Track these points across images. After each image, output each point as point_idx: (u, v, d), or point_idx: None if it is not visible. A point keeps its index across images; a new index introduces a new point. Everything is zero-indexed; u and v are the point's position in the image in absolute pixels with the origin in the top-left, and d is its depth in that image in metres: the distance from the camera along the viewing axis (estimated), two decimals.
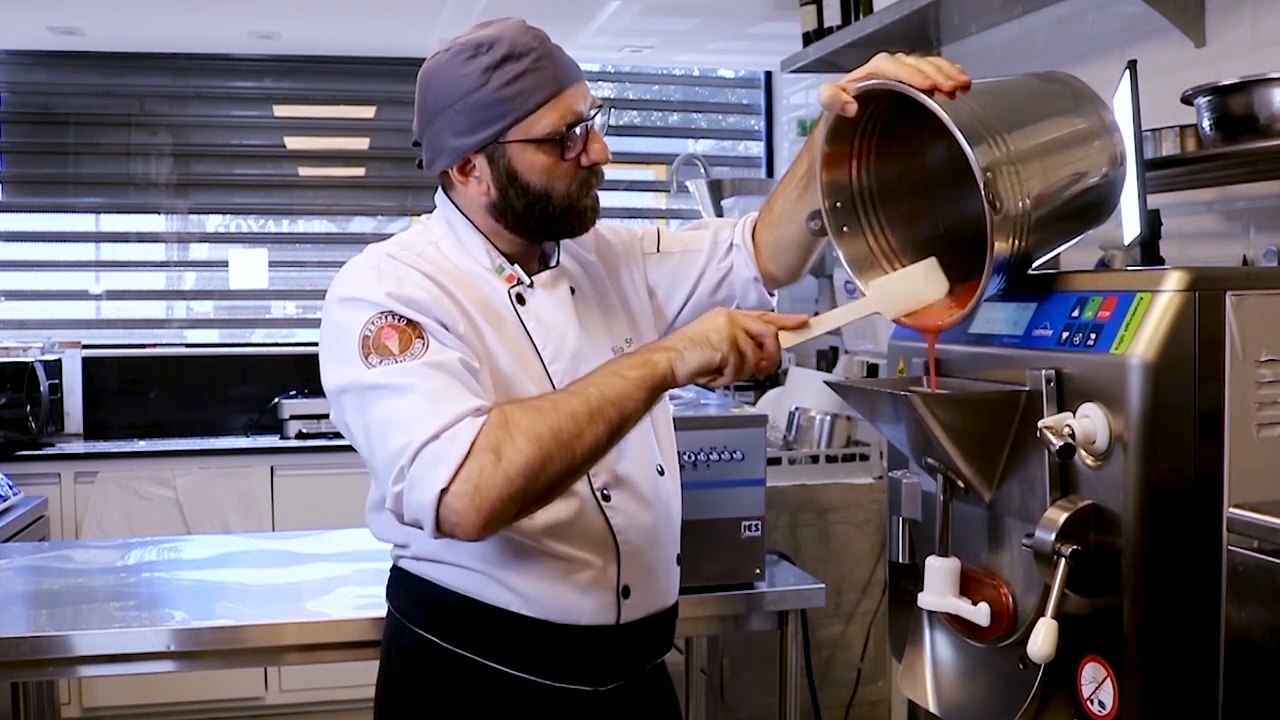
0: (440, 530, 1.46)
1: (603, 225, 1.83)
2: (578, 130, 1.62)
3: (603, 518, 1.66)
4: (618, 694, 1.73)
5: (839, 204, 1.60)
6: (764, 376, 1.52)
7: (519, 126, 1.60)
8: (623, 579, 1.68)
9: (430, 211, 1.77)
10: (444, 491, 1.43)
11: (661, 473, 1.76)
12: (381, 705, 1.76)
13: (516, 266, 1.69)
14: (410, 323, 1.55)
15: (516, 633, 1.65)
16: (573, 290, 1.74)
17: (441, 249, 1.67)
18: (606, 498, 1.67)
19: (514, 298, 1.67)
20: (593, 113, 1.64)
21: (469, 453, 1.44)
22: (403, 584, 1.73)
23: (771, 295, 1.87)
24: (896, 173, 1.61)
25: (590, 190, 1.67)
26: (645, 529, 1.70)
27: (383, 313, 1.55)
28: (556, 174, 1.63)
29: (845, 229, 1.60)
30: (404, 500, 1.46)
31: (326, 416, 4.36)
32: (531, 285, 1.69)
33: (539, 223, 1.66)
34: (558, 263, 1.75)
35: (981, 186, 1.35)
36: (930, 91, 1.40)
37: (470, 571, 1.64)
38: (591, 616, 1.67)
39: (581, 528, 1.64)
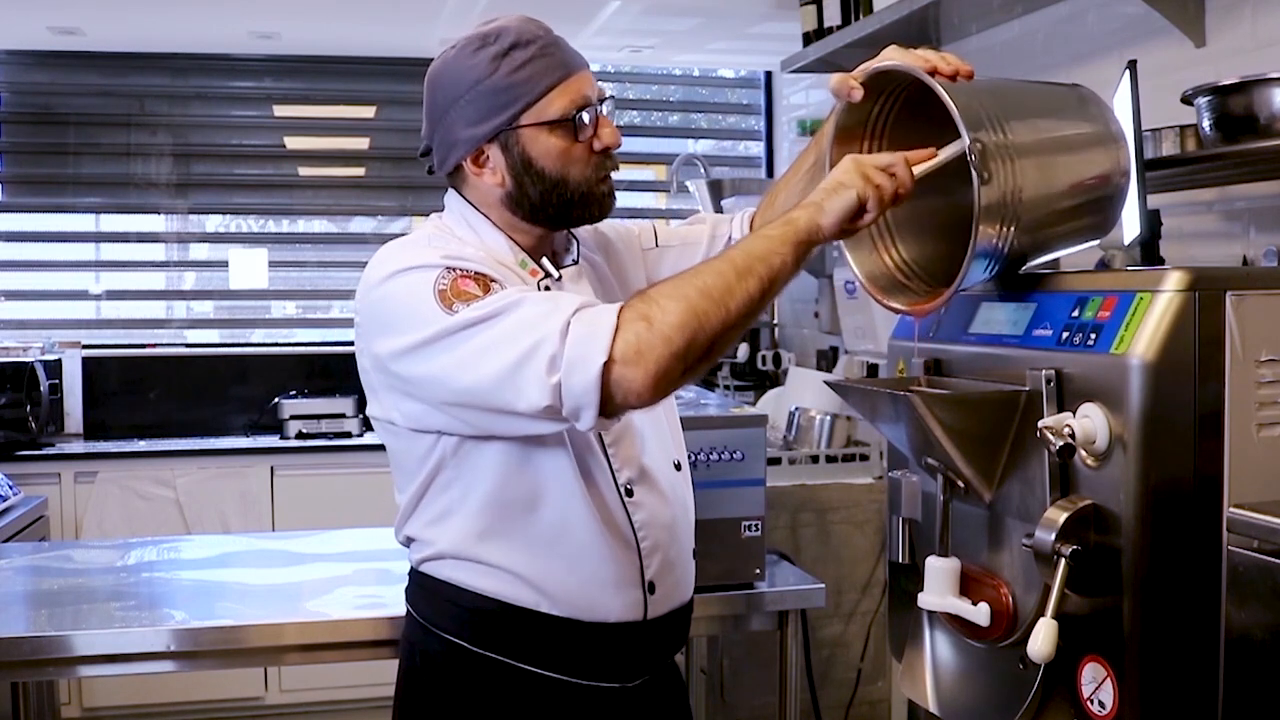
0: (609, 405, 1.42)
1: (603, 223, 1.83)
2: (588, 114, 1.62)
3: (625, 513, 1.66)
4: (641, 689, 1.73)
5: None
6: (900, 205, 1.50)
7: (531, 110, 1.60)
8: (647, 574, 1.69)
9: (431, 211, 1.75)
10: (607, 364, 1.39)
11: (678, 468, 1.77)
12: (403, 711, 1.75)
13: (544, 260, 1.68)
14: (480, 274, 1.52)
15: (546, 633, 1.64)
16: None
17: (468, 242, 1.66)
18: (630, 493, 1.67)
19: (543, 290, 1.65)
20: (601, 101, 1.64)
21: (618, 324, 1.41)
22: (426, 588, 1.70)
23: None
24: None
25: (605, 175, 1.66)
26: (665, 524, 1.71)
27: (449, 268, 1.52)
28: (571, 158, 1.62)
29: None
30: (564, 389, 1.42)
31: (326, 417, 4.48)
32: (560, 279, 1.68)
33: (556, 209, 1.65)
34: (578, 259, 1.74)
35: (968, 152, 1.36)
36: (932, 73, 1.42)
37: (497, 571, 1.63)
38: (620, 613, 1.67)
39: (605, 524, 1.64)
